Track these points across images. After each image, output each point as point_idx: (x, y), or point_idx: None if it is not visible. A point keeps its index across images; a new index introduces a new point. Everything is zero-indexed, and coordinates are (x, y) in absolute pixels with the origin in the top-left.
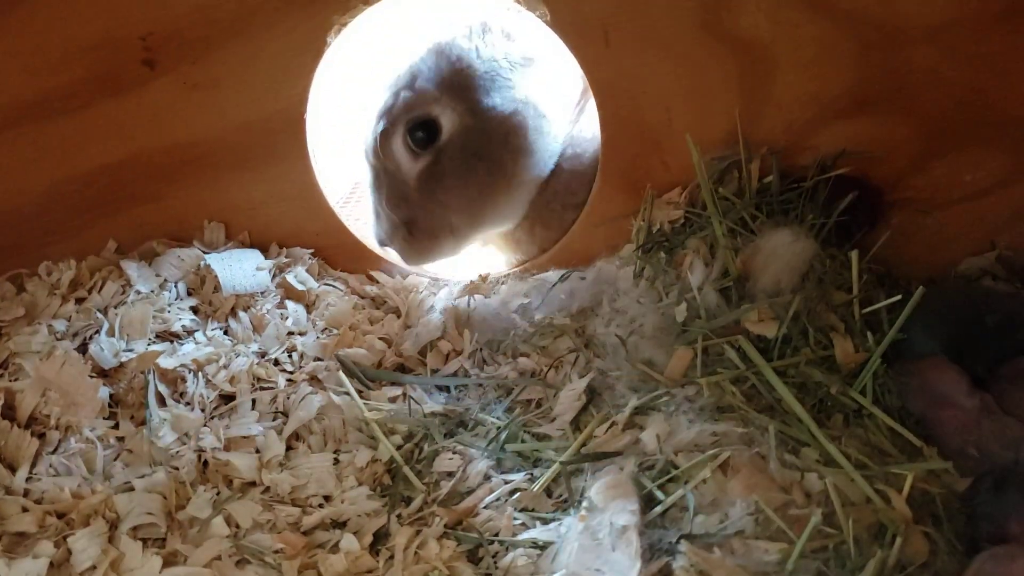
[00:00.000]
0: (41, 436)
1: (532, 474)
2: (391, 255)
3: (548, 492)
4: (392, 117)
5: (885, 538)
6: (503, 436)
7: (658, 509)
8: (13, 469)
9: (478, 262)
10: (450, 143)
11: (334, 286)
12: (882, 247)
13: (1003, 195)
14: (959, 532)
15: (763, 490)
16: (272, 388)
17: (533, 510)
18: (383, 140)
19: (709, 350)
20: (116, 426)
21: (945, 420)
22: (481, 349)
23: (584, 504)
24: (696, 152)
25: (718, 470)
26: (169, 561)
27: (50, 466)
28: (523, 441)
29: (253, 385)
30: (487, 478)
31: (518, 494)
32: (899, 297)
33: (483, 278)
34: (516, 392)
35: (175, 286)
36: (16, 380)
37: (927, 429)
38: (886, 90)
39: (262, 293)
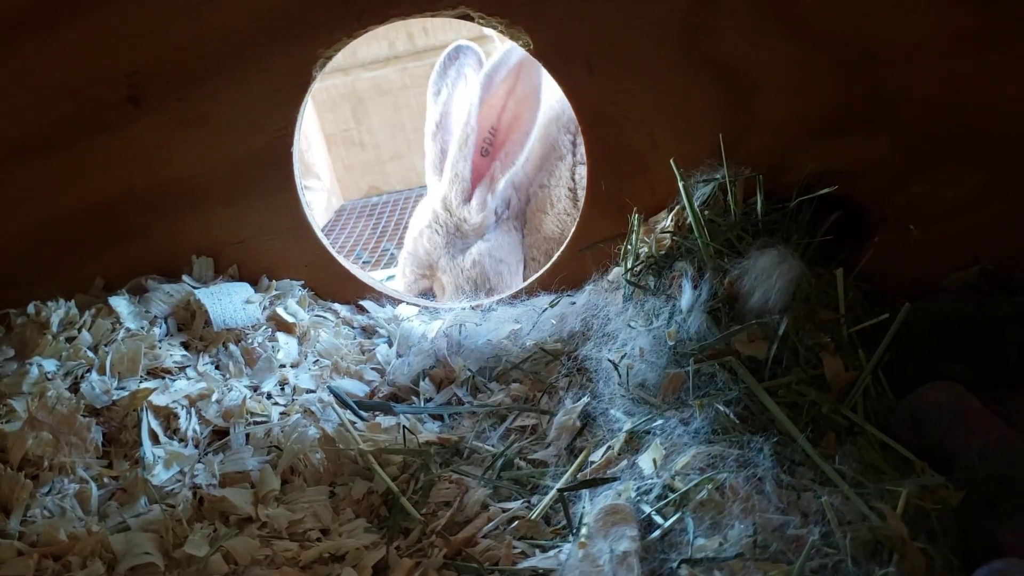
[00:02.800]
0: (35, 478)
1: (529, 502)
2: (380, 285)
3: (546, 519)
4: None
5: (882, 555)
6: (499, 464)
7: (657, 534)
8: (7, 512)
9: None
10: None
11: (325, 317)
12: (867, 265)
13: (984, 210)
14: (955, 547)
15: (760, 512)
16: (266, 422)
17: (532, 538)
18: None
19: (701, 372)
20: (110, 465)
21: (957, 437)
22: (473, 376)
23: (583, 531)
24: (681, 175)
25: (715, 492)
26: None
27: (44, 508)
28: (519, 468)
29: (246, 419)
30: (485, 507)
31: (516, 522)
32: (886, 315)
33: (475, 306)
34: (510, 419)
35: (165, 322)
36: (8, 422)
37: (934, 448)
38: (865, 109)
39: (253, 326)
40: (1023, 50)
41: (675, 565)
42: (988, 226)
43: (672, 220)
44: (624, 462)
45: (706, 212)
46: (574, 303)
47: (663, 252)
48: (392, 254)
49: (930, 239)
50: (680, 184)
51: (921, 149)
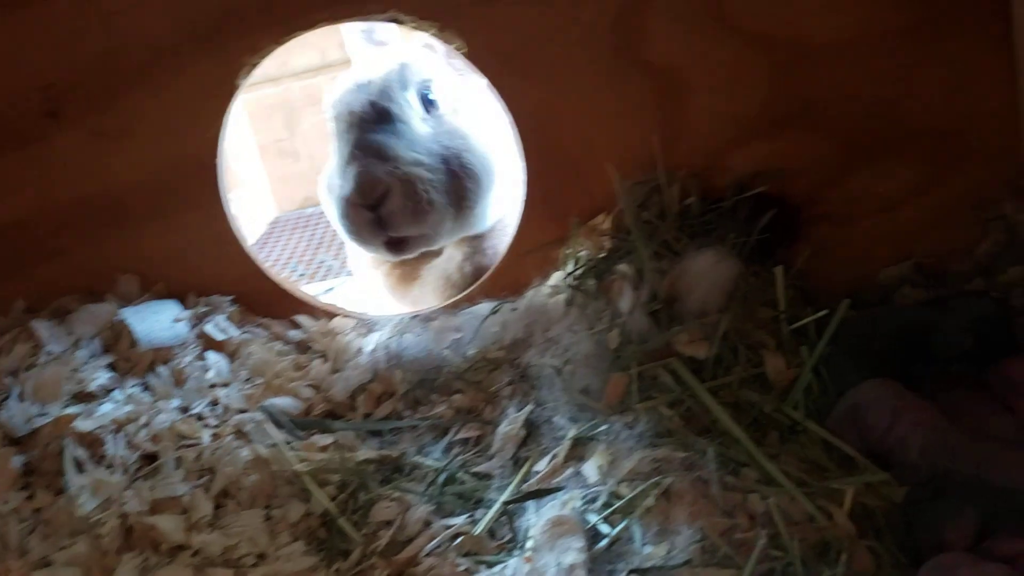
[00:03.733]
0: None
1: (474, 516)
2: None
3: (491, 534)
4: None
5: (830, 555)
6: (442, 479)
7: (604, 543)
8: None
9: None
10: None
11: (256, 333)
12: (803, 262)
13: (917, 204)
14: (902, 544)
15: (707, 516)
16: (196, 444)
17: (477, 554)
18: None
19: (643, 375)
20: (31, 497)
21: (895, 434)
22: (414, 389)
23: (529, 544)
24: (618, 178)
25: (661, 498)
26: None
27: None
28: (463, 482)
29: (176, 442)
30: (427, 524)
31: (461, 538)
32: (825, 312)
33: (414, 316)
34: (453, 432)
35: (89, 343)
36: None
37: (875, 444)
38: (798, 108)
39: (181, 345)
40: (949, 46)
41: (624, 575)
42: (921, 220)
43: (610, 223)
44: (569, 470)
45: (643, 214)
46: (515, 310)
47: (602, 255)
48: (329, 266)
49: (864, 235)
50: (618, 186)
51: (853, 146)
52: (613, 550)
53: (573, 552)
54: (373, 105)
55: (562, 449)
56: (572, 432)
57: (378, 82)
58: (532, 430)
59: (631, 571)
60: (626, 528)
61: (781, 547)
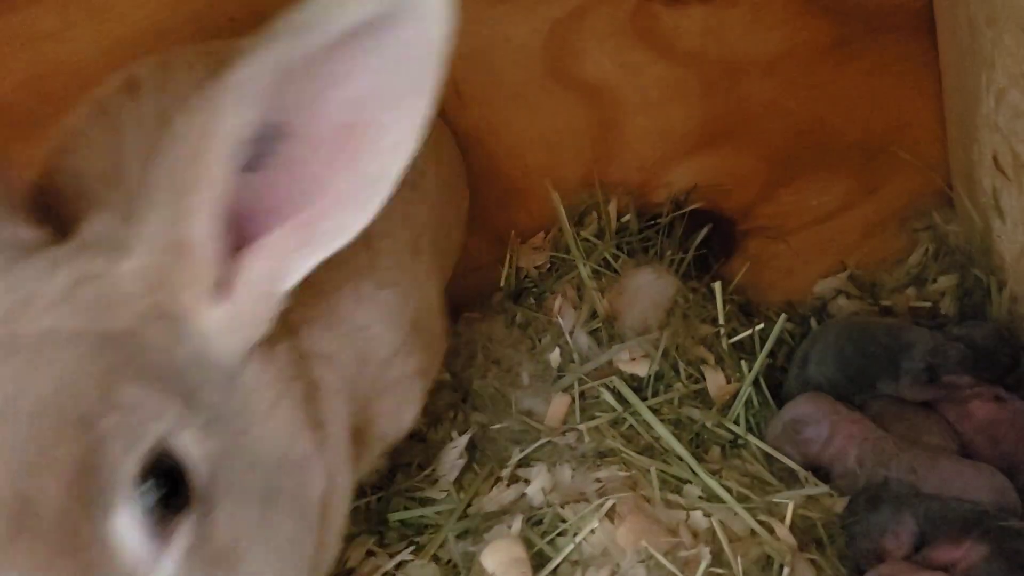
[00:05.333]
0: None
1: (418, 543)
2: None
3: (436, 560)
4: None
5: (773, 569)
6: (386, 506)
7: (549, 567)
8: None
9: None
10: None
11: None
12: (741, 276)
13: (849, 216)
14: (843, 555)
15: (651, 535)
16: None
17: None
18: None
19: (586, 394)
20: None
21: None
22: None
23: (475, 572)
24: (556, 197)
25: (606, 519)
26: None
27: None
28: (406, 508)
29: None
30: (369, 554)
31: (404, 568)
32: (762, 325)
33: None
34: (395, 456)
35: None
36: None
37: (814, 457)
38: (731, 124)
39: None
40: (875, 60)
41: None
42: (854, 231)
43: (549, 242)
44: (513, 493)
45: (581, 232)
46: (458, 333)
47: (542, 274)
48: None
49: (799, 248)
50: (556, 205)
51: (786, 161)
52: (559, 572)
53: None
54: None
55: (506, 472)
56: (516, 454)
57: None
58: (476, 452)
59: None
60: (571, 551)
61: (724, 563)
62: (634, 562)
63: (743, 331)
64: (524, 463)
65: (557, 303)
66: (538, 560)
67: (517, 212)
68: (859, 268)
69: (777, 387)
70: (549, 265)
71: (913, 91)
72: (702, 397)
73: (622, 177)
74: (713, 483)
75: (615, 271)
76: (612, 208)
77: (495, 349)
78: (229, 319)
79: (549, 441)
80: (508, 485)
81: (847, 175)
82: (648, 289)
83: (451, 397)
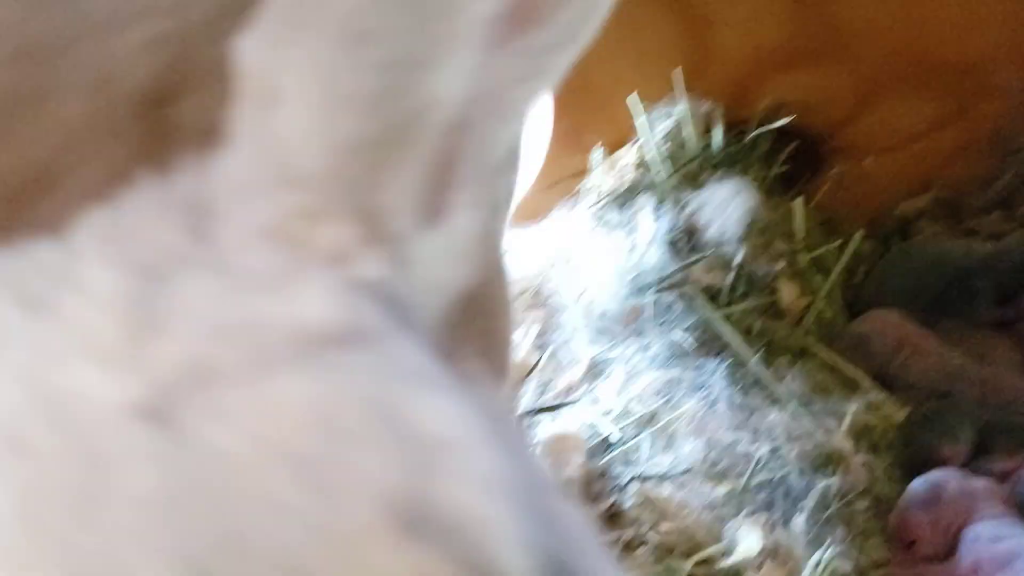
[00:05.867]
0: None
1: None
2: None
3: None
4: None
5: (827, 469)
6: None
7: (613, 454)
8: None
9: None
10: None
11: None
12: (823, 194)
13: (937, 138)
14: (897, 460)
15: (712, 431)
16: None
17: None
18: None
19: (660, 301)
20: None
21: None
22: None
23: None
24: (642, 110)
25: (671, 414)
26: None
27: None
28: None
29: None
30: None
31: None
32: (840, 242)
33: None
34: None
35: None
36: None
37: (880, 369)
38: (822, 41)
39: None
40: None
41: (626, 482)
42: (940, 153)
43: (634, 155)
44: (583, 388)
45: (666, 146)
46: (539, 240)
47: (625, 187)
48: None
49: (884, 168)
50: (640, 118)
51: (877, 79)
52: (621, 459)
53: (573, 467)
54: None
55: (578, 369)
56: (590, 353)
57: None
58: (551, 353)
59: (634, 478)
60: (635, 440)
61: (780, 459)
62: (694, 454)
63: (821, 248)
64: (596, 363)
65: (638, 215)
66: (604, 448)
67: (604, 124)
68: (944, 190)
69: (851, 304)
70: (633, 177)
71: (1008, 12)
72: (775, 309)
73: (710, 91)
74: (777, 387)
75: (698, 185)
76: (698, 122)
77: (575, 257)
78: None
79: (621, 343)
80: (579, 381)
81: (938, 96)
82: (730, 203)
83: (530, 301)
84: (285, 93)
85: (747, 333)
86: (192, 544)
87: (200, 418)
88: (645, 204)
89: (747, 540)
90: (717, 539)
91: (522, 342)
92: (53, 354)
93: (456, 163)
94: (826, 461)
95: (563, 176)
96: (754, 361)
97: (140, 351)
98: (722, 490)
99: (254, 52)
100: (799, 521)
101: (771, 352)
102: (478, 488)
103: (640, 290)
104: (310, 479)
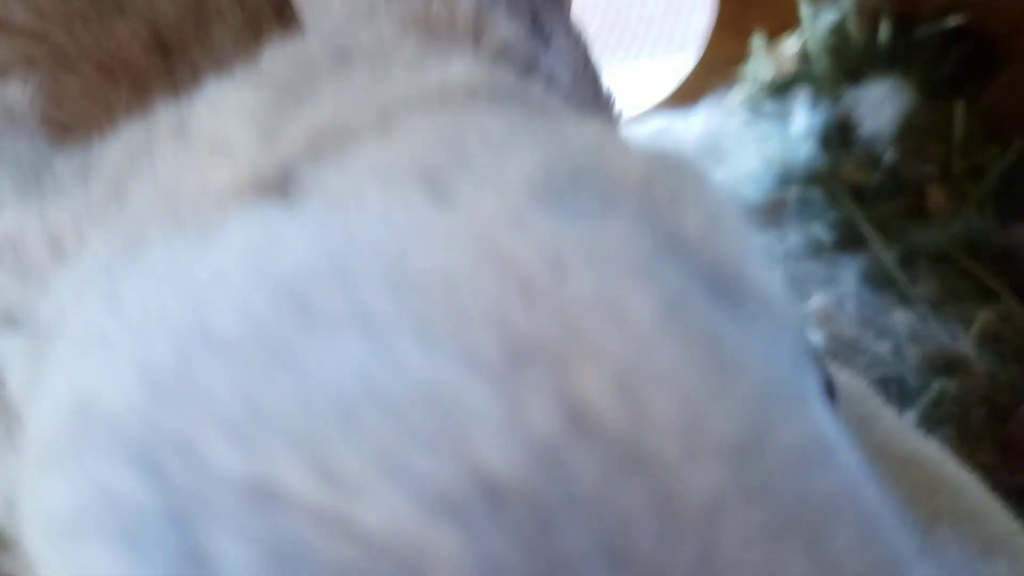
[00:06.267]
0: None
1: None
2: None
3: None
4: None
5: (948, 374)
6: None
7: None
8: None
9: None
10: None
11: None
12: (988, 100)
13: None
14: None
15: (837, 324)
16: None
17: None
18: None
19: (803, 195)
20: None
21: None
22: None
23: None
24: (808, 2)
25: (798, 305)
26: None
27: None
28: None
29: None
30: None
31: None
32: (999, 150)
33: None
34: None
35: None
36: None
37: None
38: None
39: None
40: None
41: None
42: None
43: (795, 45)
44: None
45: (830, 38)
46: (690, 124)
47: (783, 77)
48: None
49: None
50: (805, 8)
51: None
52: None
53: None
54: None
55: None
56: None
57: None
58: None
59: None
60: None
61: (900, 358)
62: (815, 342)
63: (978, 154)
64: None
65: (793, 107)
66: None
67: (768, 13)
68: None
69: (1002, 215)
70: (793, 69)
71: None
72: (921, 212)
73: None
74: (910, 287)
75: (858, 81)
76: (865, 16)
77: (725, 143)
78: None
79: (759, 234)
80: None
81: None
82: (888, 101)
83: None
84: None
85: (888, 233)
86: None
87: (328, 173)
88: (801, 96)
89: None
90: None
91: None
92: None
93: None
94: (948, 365)
95: (722, 61)
96: (890, 260)
97: (271, 142)
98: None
99: None
100: (909, 416)
101: (910, 254)
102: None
103: (786, 182)
104: (441, 198)
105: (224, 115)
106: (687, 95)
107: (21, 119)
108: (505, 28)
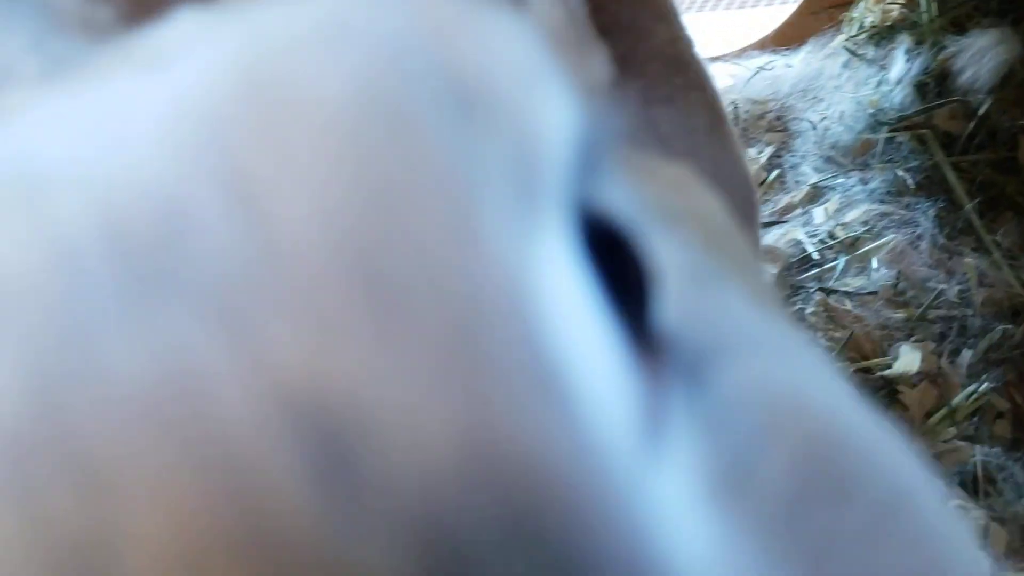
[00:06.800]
0: None
1: None
2: None
3: None
4: None
5: (1011, 320)
6: None
7: (811, 271)
8: None
9: None
10: None
11: None
12: None
13: None
14: None
15: (908, 264)
16: None
17: None
18: None
19: (893, 139)
20: None
21: None
22: None
23: None
24: None
25: (873, 244)
26: None
27: None
28: None
29: None
30: None
31: None
32: None
33: None
34: None
35: None
36: None
37: None
38: None
39: None
40: None
41: (812, 291)
42: None
43: None
44: (799, 211)
45: None
46: (791, 63)
47: (887, 23)
48: None
49: None
50: None
51: None
52: (816, 275)
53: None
54: None
55: (800, 192)
56: (813, 179)
57: None
58: (779, 172)
59: (819, 288)
60: (833, 263)
61: (966, 300)
62: (884, 280)
63: None
64: (817, 189)
65: (893, 53)
66: (804, 264)
67: None
68: None
69: None
70: (897, 15)
71: None
72: (1010, 165)
73: None
74: (986, 235)
75: (963, 30)
76: None
77: (822, 86)
78: None
79: (845, 174)
80: (798, 203)
81: None
82: (989, 51)
83: (770, 122)
84: None
85: (972, 183)
86: None
87: None
88: (903, 43)
89: (909, 358)
90: (883, 355)
91: (759, 159)
92: None
93: None
94: (1012, 311)
95: (828, 4)
96: (970, 207)
97: None
98: (900, 315)
99: None
100: (966, 355)
101: (992, 205)
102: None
103: (877, 126)
104: None
105: None
106: (793, 36)
107: None
108: None
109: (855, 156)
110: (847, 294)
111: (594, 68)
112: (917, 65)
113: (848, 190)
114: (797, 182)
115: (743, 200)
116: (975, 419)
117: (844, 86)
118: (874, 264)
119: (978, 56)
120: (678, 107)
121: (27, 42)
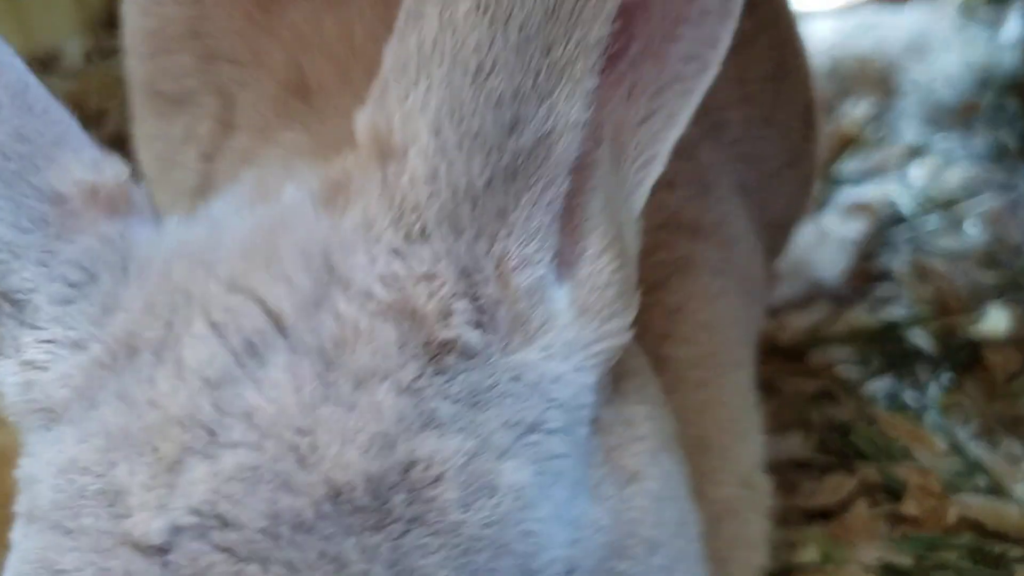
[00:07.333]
0: None
1: None
2: None
3: None
4: None
5: None
6: None
7: (904, 228)
8: None
9: None
10: None
11: None
12: None
13: None
14: None
15: (1003, 227)
16: None
17: None
18: None
19: (999, 102)
20: None
21: None
22: None
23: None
24: None
25: (969, 204)
26: None
27: None
28: None
29: None
30: None
31: None
32: None
33: None
34: None
35: None
36: None
37: None
38: None
39: None
40: None
41: (904, 247)
42: None
43: None
44: (895, 168)
45: None
46: (899, 21)
47: None
48: None
49: None
50: None
51: None
52: (906, 234)
53: (856, 230)
54: None
55: (897, 148)
56: (911, 138)
57: None
58: (879, 128)
59: (911, 246)
60: (926, 219)
61: None
62: (977, 240)
63: None
64: (916, 147)
65: (1011, 13)
66: (896, 221)
67: None
68: None
69: None
70: None
71: None
72: None
73: None
74: None
75: None
76: None
77: (933, 43)
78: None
79: (946, 133)
80: (895, 159)
81: None
82: None
83: (872, 79)
84: (407, 145)
85: None
86: None
87: None
88: (1019, 5)
89: (996, 319)
90: (970, 314)
91: (855, 113)
92: None
93: (583, 207)
94: None
95: None
96: None
97: None
98: (990, 276)
99: (373, 115)
100: None
101: None
102: None
103: (984, 87)
104: None
105: None
106: None
107: None
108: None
109: (958, 117)
110: (938, 253)
111: (613, 332)
112: None
113: (948, 151)
114: (896, 139)
115: (793, 146)
116: None
117: (953, 45)
118: (968, 225)
119: None
120: (739, 57)
121: None
